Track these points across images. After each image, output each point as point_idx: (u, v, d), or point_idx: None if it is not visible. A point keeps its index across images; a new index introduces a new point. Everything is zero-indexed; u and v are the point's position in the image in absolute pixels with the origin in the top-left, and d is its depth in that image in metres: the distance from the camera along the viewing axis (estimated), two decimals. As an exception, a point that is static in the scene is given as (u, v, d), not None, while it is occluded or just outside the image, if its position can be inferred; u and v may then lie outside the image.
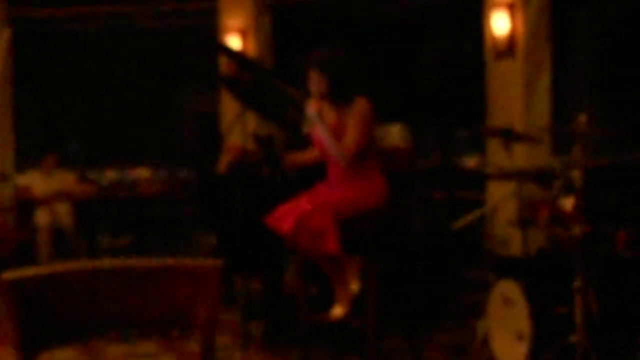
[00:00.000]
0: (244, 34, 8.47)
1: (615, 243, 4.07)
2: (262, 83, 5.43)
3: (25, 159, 8.45)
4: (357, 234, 4.36)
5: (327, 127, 4.34)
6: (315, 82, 4.39)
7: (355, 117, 4.31)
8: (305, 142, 4.79)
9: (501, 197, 5.18)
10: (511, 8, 7.00)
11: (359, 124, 4.30)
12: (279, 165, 4.85)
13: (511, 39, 6.97)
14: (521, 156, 6.10)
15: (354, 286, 4.42)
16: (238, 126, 5.43)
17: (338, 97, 4.38)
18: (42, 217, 7.66)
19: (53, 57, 9.98)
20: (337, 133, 4.34)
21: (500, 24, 7.04)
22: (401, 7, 8.37)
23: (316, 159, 4.62)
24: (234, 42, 8.41)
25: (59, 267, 2.38)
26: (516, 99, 7.00)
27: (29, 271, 2.25)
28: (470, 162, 7.76)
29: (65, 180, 7.91)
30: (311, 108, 4.36)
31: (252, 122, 6.23)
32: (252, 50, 8.46)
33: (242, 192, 4.97)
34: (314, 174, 4.62)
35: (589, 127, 3.95)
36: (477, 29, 7.35)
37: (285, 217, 4.26)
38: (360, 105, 4.33)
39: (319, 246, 4.21)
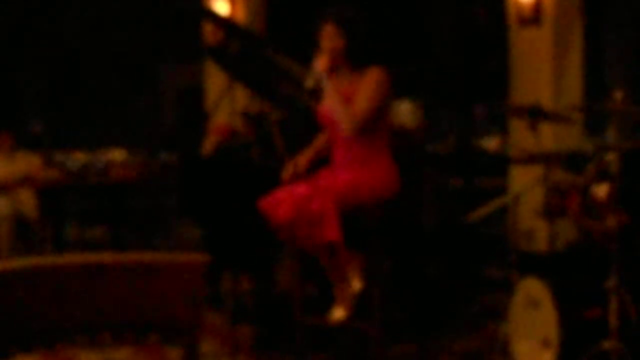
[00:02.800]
0: (232, -3, 8.46)
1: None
2: (252, 54, 5.42)
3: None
4: (361, 226, 4.36)
5: (334, 88, 4.32)
6: (330, 38, 4.37)
7: (368, 84, 4.32)
8: (301, 120, 4.78)
9: (526, 185, 5.18)
10: (537, -32, 6.98)
11: (371, 91, 4.31)
12: (273, 148, 4.84)
13: (537, 3, 6.96)
14: (549, 138, 6.11)
15: (357, 285, 4.43)
16: (225, 103, 5.42)
17: (354, 58, 4.37)
18: (2, 205, 7.66)
19: (11, 19, 9.93)
20: (347, 104, 4.33)
21: (524, -15, 7.02)
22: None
23: (327, 144, 4.56)
24: (221, 7, 8.39)
25: (21, 262, 2.39)
26: (543, 72, 6.99)
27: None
28: (491, 144, 7.76)
29: (28, 164, 7.91)
30: (319, 64, 4.35)
31: (241, 98, 6.22)
32: (241, 17, 8.44)
33: (230, 178, 4.97)
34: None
35: (626, 105, 3.95)
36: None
37: (281, 203, 4.26)
38: (376, 74, 4.34)
39: (317, 234, 4.20)
